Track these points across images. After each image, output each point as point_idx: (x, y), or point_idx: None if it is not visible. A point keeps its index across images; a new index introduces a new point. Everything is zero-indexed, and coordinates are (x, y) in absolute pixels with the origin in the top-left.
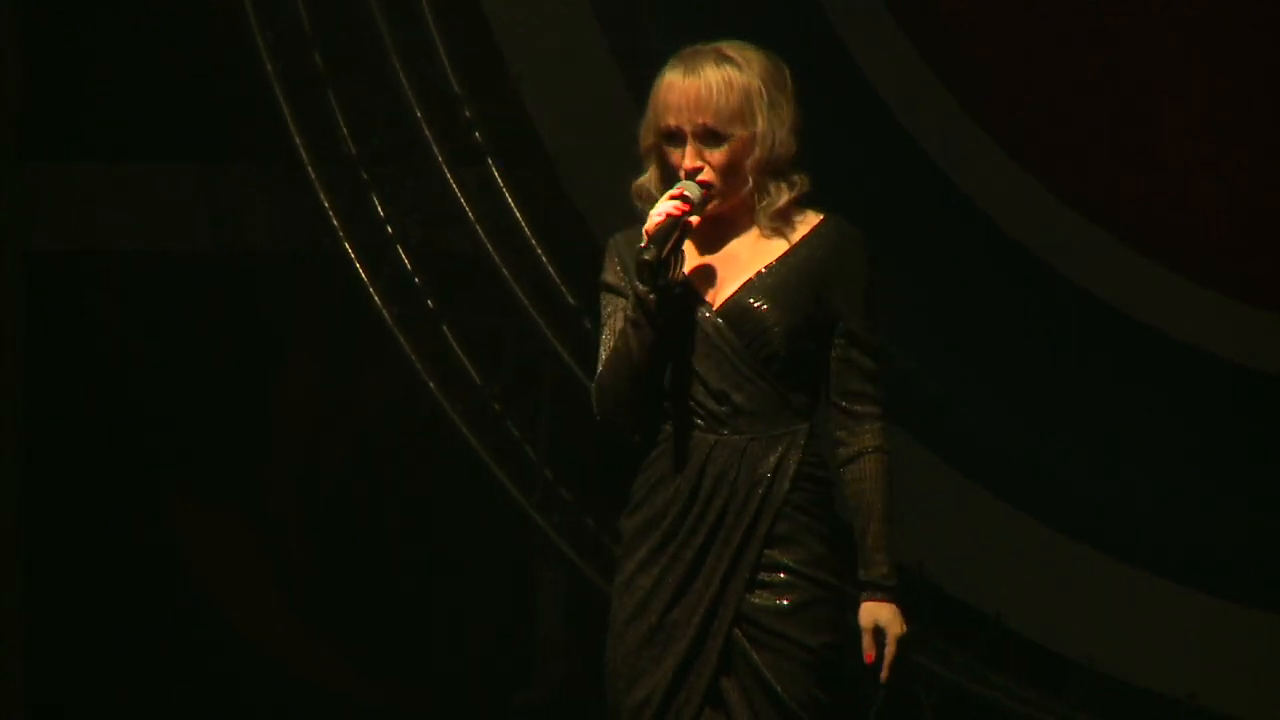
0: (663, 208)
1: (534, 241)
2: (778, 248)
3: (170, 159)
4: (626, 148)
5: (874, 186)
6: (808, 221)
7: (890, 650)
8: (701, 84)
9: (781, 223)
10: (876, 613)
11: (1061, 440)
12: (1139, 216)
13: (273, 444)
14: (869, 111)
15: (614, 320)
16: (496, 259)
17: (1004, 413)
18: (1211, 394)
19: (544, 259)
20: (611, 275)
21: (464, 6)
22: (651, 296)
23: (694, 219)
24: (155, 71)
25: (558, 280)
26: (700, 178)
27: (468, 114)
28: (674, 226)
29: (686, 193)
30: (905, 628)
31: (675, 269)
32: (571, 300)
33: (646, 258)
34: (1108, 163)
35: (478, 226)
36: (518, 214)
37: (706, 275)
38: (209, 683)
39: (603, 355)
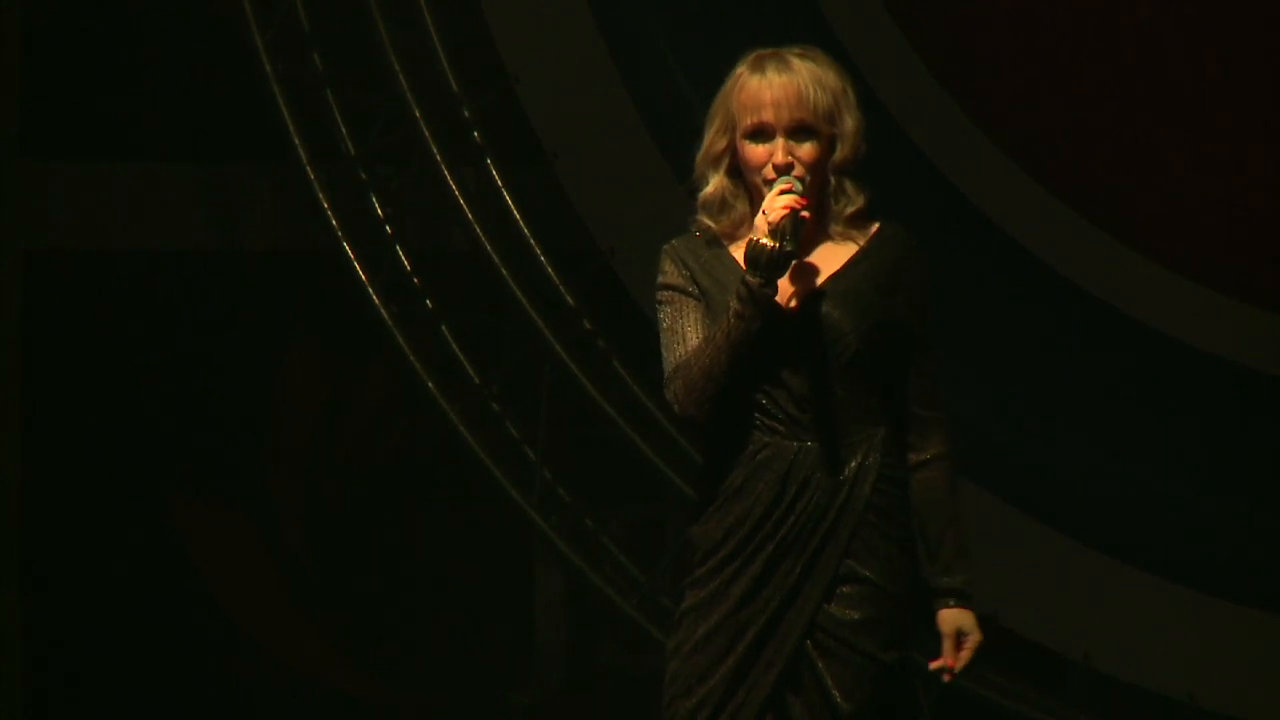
0: (780, 201)
1: (533, 241)
2: (847, 251)
3: (170, 158)
4: (625, 148)
5: (872, 188)
6: (870, 225)
7: (967, 656)
8: (799, 80)
9: (850, 227)
10: (959, 620)
11: (1061, 440)
12: (1139, 216)
13: (272, 443)
14: (867, 113)
15: (684, 319)
16: (495, 259)
17: (1003, 412)
18: (1212, 394)
19: (543, 259)
20: (676, 278)
21: (463, 6)
22: (767, 290)
23: (806, 213)
24: (155, 71)
25: (556, 280)
26: (793, 173)
27: (467, 114)
28: (796, 218)
29: (796, 187)
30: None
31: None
32: (570, 300)
33: (788, 248)
34: (1108, 163)
35: (476, 226)
36: (516, 214)
37: (780, 283)
38: (209, 681)
39: (674, 354)
